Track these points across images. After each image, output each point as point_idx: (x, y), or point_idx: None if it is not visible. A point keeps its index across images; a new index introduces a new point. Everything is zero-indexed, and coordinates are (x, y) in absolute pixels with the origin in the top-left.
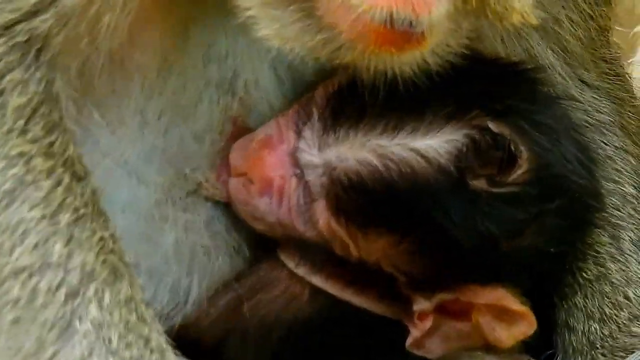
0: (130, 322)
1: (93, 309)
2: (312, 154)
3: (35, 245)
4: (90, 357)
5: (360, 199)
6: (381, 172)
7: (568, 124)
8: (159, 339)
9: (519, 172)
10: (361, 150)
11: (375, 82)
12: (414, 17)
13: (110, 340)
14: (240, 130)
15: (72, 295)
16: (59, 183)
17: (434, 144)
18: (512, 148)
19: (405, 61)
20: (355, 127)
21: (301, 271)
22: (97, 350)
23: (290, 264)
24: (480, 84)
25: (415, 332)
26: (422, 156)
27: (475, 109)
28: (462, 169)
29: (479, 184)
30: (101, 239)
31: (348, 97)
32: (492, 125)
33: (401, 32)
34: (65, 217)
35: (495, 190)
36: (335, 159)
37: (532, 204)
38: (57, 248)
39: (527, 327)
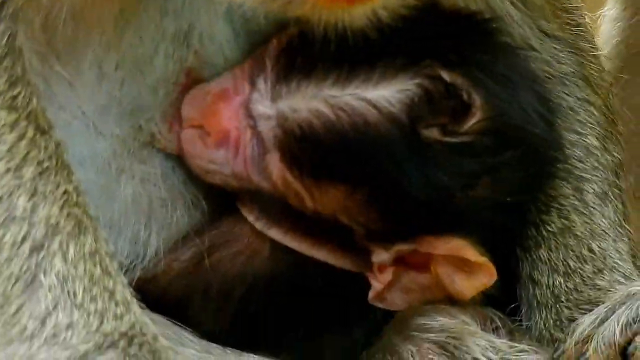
0: (95, 275)
1: (58, 262)
2: (265, 105)
3: None
4: (55, 310)
5: (313, 149)
6: (333, 123)
7: (526, 75)
8: (124, 291)
9: (473, 121)
10: (313, 101)
11: (327, 34)
12: None
13: (75, 294)
14: (194, 82)
15: (36, 248)
16: (22, 136)
17: (385, 94)
18: (466, 97)
19: (356, 15)
20: (308, 78)
21: (260, 225)
22: (62, 304)
23: (250, 217)
24: (435, 34)
25: (376, 285)
26: (374, 106)
27: (428, 58)
28: (414, 118)
29: (432, 133)
30: (65, 192)
31: (301, 48)
32: (445, 75)
33: None
34: (29, 170)
35: (447, 140)
36: (288, 109)
37: (487, 154)
38: (21, 201)
39: (486, 277)
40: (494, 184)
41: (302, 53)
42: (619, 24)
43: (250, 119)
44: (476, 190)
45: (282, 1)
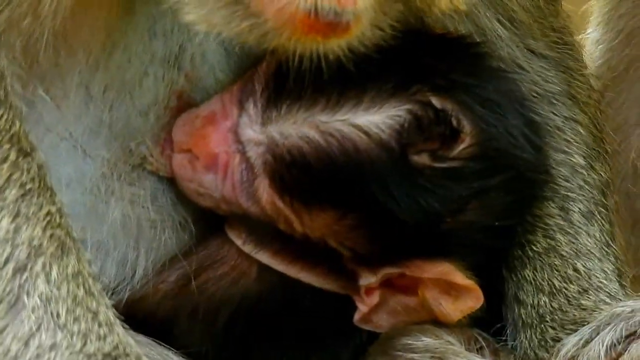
0: (78, 296)
1: (41, 284)
2: (254, 130)
3: None
4: (39, 331)
5: (303, 175)
6: (323, 148)
7: (514, 98)
8: (107, 312)
9: (462, 147)
10: (304, 127)
11: (302, 65)
12: (339, 8)
13: (58, 315)
14: (186, 105)
15: (19, 270)
16: (5, 159)
17: (375, 120)
18: (455, 123)
19: (331, 48)
20: (298, 103)
21: (248, 248)
22: (45, 325)
23: (238, 241)
24: (424, 59)
25: (362, 308)
26: (364, 132)
27: (417, 84)
28: (404, 144)
29: (421, 159)
30: (48, 213)
31: (290, 73)
32: (434, 100)
33: (326, 22)
34: (12, 193)
35: (437, 165)
36: (278, 135)
37: (475, 179)
38: (4, 223)
39: (474, 301)
40: (482, 208)
41: (292, 77)
42: (600, 46)
43: (239, 144)
44: (465, 214)
45: (257, 34)
